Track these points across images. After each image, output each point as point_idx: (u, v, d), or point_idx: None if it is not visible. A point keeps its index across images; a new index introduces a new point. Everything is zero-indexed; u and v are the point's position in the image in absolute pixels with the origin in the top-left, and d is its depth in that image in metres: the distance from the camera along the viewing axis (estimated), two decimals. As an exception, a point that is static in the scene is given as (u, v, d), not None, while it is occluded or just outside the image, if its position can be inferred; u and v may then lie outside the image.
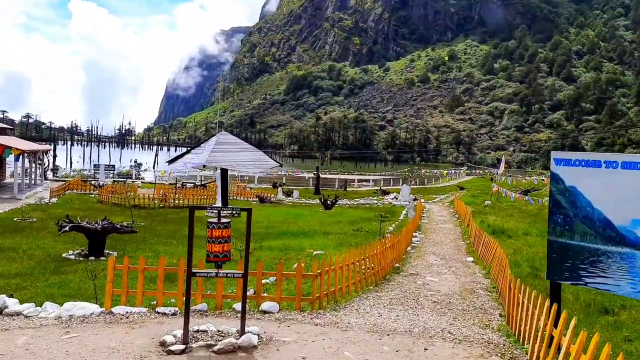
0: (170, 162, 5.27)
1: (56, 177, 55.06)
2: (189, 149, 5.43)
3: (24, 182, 32.93)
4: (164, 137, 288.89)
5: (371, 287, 9.38)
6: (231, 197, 38.94)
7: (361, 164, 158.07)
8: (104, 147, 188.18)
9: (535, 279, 11.45)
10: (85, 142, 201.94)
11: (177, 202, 31.82)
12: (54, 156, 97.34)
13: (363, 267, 9.37)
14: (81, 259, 14.87)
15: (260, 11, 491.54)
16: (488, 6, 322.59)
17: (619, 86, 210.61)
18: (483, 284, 10.70)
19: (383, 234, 14.92)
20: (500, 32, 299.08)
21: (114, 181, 49.71)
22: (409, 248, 15.62)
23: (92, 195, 34.66)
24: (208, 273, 5.48)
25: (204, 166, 4.73)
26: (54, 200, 29.69)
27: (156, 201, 31.23)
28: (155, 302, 7.34)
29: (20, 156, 29.78)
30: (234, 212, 5.59)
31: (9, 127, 41.94)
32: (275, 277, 7.70)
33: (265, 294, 8.58)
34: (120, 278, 7.75)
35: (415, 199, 37.40)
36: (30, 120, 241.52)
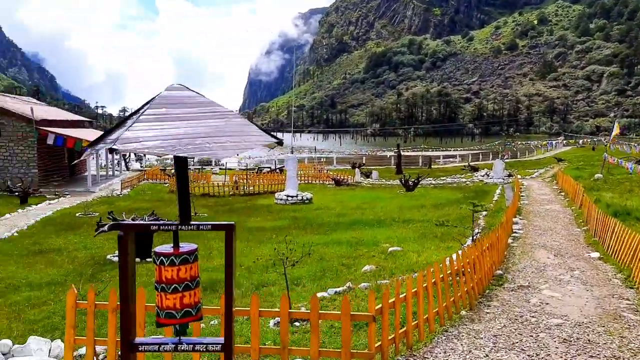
0: (91, 145, 2.79)
1: (142, 167, 55.84)
2: (123, 118, 2.93)
3: (99, 175, 32.61)
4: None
5: (464, 312, 6.55)
6: (305, 181, 36.77)
7: (446, 140, 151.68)
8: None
9: None
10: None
11: (249, 189, 30.07)
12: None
13: (451, 281, 6.53)
14: (124, 261, 13.12)
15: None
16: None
17: None
18: (628, 299, 7.47)
19: (477, 230, 11.80)
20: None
21: (193, 169, 49.44)
22: (509, 240, 12.47)
23: (166, 185, 33.77)
24: (161, 345, 3.00)
25: (113, 151, 2.19)
26: (126, 191, 28.90)
27: (226, 189, 29.63)
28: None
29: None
30: (202, 229, 3.03)
31: (87, 119, 42.31)
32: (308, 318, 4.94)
33: (295, 334, 5.98)
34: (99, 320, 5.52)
35: (510, 175, 33.35)
36: (127, 114, 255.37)
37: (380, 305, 4.82)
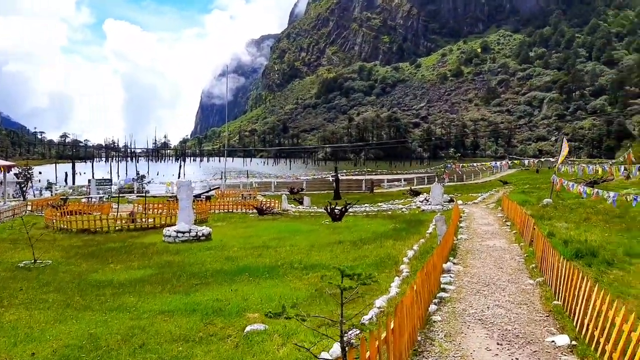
0: None
1: (52, 195, 49.76)
2: None
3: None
4: (198, 149, 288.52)
5: None
6: (225, 210, 32.06)
7: (396, 163, 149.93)
8: (138, 162, 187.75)
9: None
10: (121, 158, 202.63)
11: (146, 222, 24.98)
12: (74, 174, 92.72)
13: None
14: None
15: (288, 17, 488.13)
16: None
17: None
18: None
19: (356, 330, 7.08)
20: (534, 19, 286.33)
21: (107, 198, 43.68)
22: (432, 306, 8.20)
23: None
24: None
25: None
26: (-13, 228, 23.31)
27: (119, 222, 24.48)
28: None
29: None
30: None
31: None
32: None
33: None
34: None
35: (450, 201, 29.67)
36: (68, 140, 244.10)
37: None
